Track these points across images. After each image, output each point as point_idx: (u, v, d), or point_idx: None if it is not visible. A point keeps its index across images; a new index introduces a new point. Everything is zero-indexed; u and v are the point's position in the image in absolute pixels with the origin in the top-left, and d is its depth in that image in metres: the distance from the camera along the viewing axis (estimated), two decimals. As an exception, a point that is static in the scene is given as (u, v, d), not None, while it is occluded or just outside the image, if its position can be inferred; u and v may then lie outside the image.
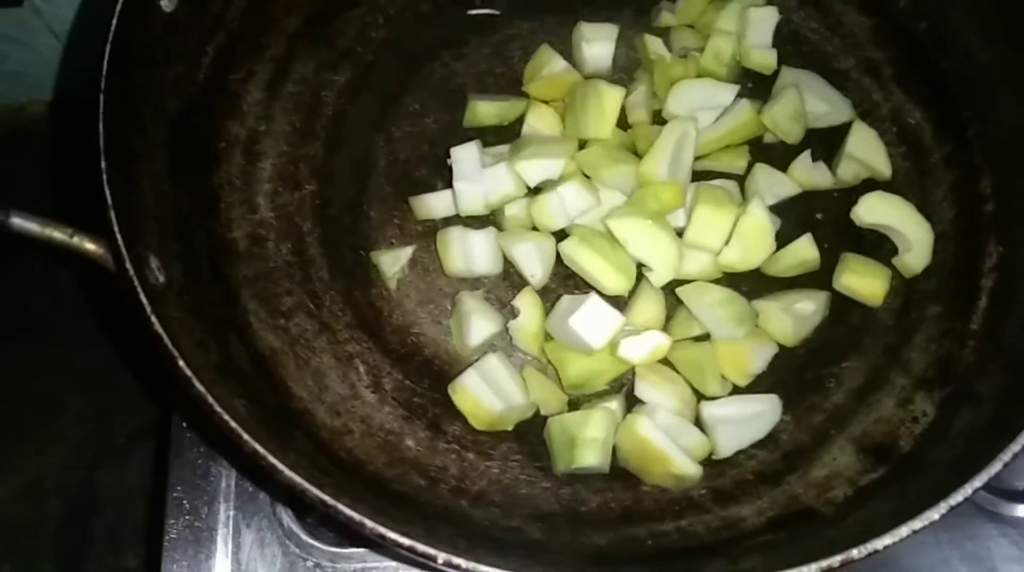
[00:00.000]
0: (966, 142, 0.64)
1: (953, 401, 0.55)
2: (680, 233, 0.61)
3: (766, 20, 0.67)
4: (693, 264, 0.60)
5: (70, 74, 1.00)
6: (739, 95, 0.65)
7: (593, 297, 0.57)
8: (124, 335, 0.91)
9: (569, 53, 0.68)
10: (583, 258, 0.59)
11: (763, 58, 0.66)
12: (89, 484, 0.92)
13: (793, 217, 0.63)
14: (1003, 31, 0.61)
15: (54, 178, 1.00)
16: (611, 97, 0.62)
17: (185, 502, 0.63)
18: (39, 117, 1.05)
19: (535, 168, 0.61)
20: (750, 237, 0.60)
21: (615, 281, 0.59)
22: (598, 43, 0.67)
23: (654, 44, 0.68)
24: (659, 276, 0.60)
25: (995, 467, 0.44)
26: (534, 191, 0.62)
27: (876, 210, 0.61)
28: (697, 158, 0.63)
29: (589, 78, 0.66)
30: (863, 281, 0.60)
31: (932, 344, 0.59)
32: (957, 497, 0.43)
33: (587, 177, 0.62)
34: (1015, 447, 0.45)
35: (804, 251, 0.61)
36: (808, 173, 0.64)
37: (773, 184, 0.63)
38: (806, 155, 0.64)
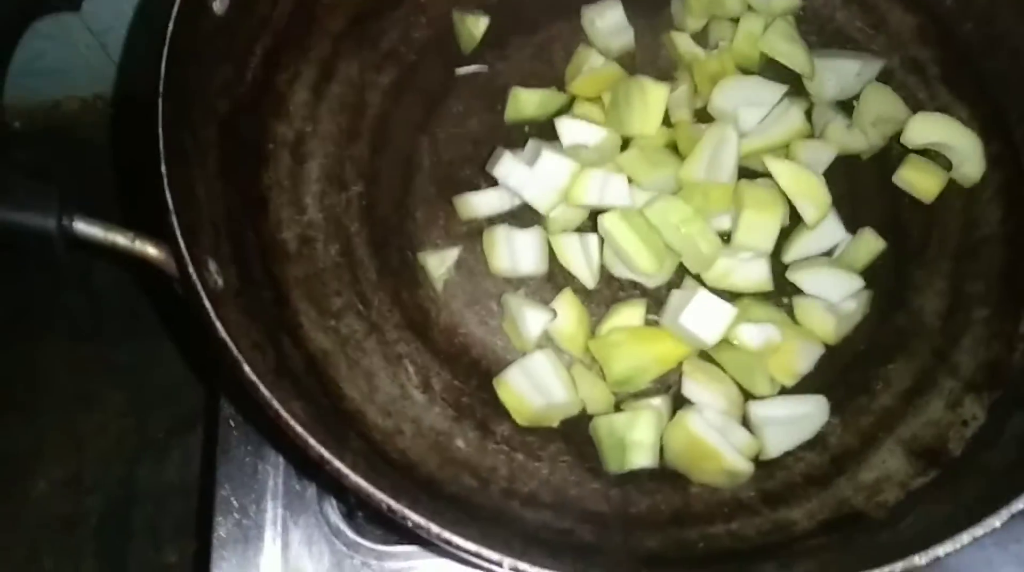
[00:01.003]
0: (1013, 143, 0.64)
1: (1003, 405, 0.55)
2: (724, 236, 0.61)
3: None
4: (749, 272, 0.60)
5: (110, 72, 1.01)
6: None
7: (702, 292, 0.57)
8: (167, 330, 0.92)
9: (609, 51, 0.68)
10: (620, 234, 0.59)
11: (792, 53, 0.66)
12: (129, 479, 0.93)
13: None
14: (1053, 32, 0.61)
15: (92, 175, 1.01)
16: (656, 93, 0.62)
17: (233, 500, 0.63)
18: (73, 113, 1.06)
19: (574, 127, 0.62)
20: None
21: (648, 262, 0.59)
22: (609, 20, 0.67)
23: (683, 42, 0.68)
24: (692, 266, 0.60)
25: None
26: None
27: (924, 130, 0.63)
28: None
29: (625, 67, 0.66)
30: (921, 177, 0.62)
31: (980, 347, 0.59)
32: (1019, 504, 0.43)
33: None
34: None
35: (871, 244, 0.61)
36: (842, 135, 0.64)
37: (815, 152, 0.63)
38: (839, 118, 0.64)
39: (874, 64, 0.66)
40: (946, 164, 0.64)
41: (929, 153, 0.64)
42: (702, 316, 0.56)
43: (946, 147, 0.63)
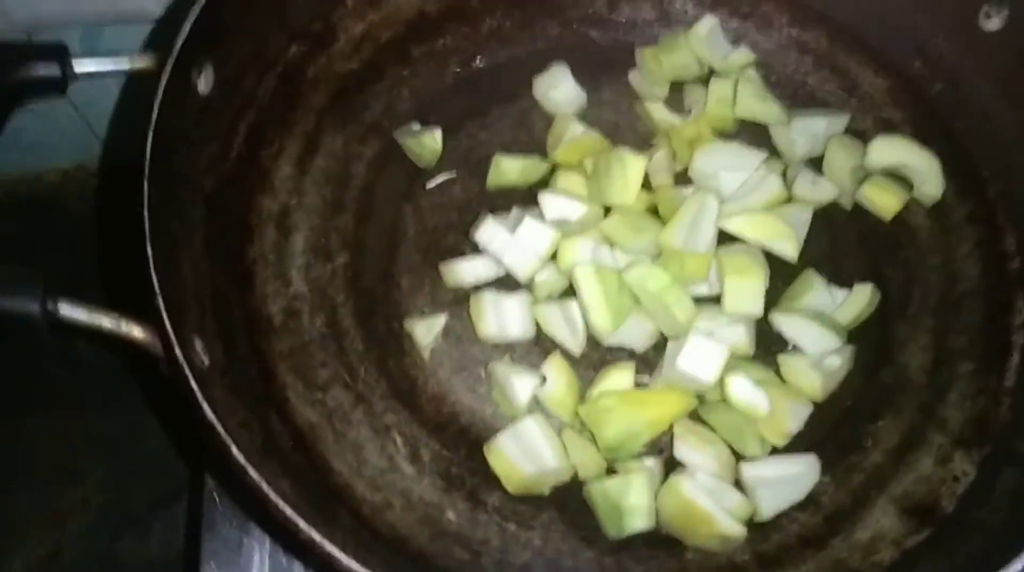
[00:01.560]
0: (988, 200, 0.65)
1: (993, 461, 0.56)
2: (698, 300, 0.61)
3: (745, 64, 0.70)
4: (730, 336, 0.60)
5: (93, 144, 1.01)
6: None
7: (694, 336, 0.58)
8: (150, 401, 0.91)
9: (588, 118, 0.69)
10: (587, 287, 0.59)
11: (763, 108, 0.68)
12: (110, 555, 0.90)
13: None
14: (1020, 92, 0.63)
15: (75, 245, 1.01)
16: (634, 166, 0.63)
17: (219, 578, 0.62)
18: (55, 185, 1.06)
19: (556, 202, 0.62)
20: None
21: (603, 320, 0.60)
22: (559, 86, 0.69)
23: (658, 111, 0.69)
24: (667, 331, 0.61)
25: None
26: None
27: (885, 152, 0.66)
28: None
29: (605, 134, 0.67)
30: (882, 195, 0.65)
31: (967, 402, 0.59)
32: (1017, 565, 0.43)
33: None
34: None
35: (865, 299, 0.62)
36: (811, 191, 0.66)
37: (794, 214, 0.64)
38: (805, 172, 0.66)
39: (840, 118, 0.68)
40: (907, 187, 0.66)
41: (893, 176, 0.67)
42: (697, 358, 0.57)
43: (906, 168, 0.66)
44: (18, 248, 1.03)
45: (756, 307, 0.60)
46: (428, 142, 0.67)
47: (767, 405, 0.58)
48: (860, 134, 0.69)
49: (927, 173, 0.65)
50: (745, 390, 0.58)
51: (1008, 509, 0.51)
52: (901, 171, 0.66)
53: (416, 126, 0.68)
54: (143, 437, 0.94)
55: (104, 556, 0.90)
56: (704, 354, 0.58)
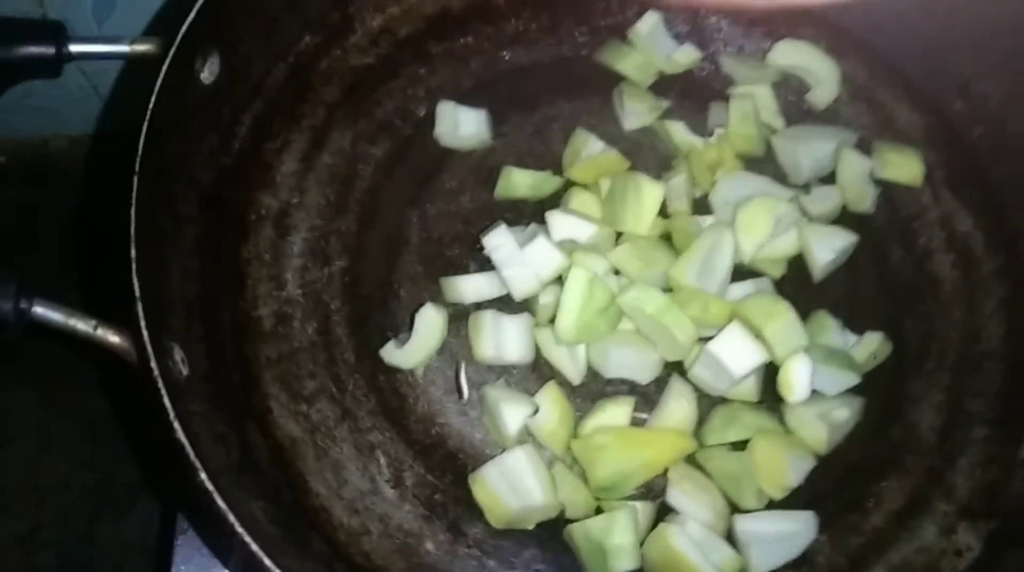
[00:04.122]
0: (1018, 254, 0.62)
1: (1001, 538, 0.53)
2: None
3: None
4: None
5: (99, 115, 0.99)
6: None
7: (736, 325, 0.56)
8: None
9: (609, 134, 0.66)
10: (574, 288, 0.57)
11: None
12: (87, 536, 0.89)
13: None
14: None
15: (78, 217, 0.99)
16: (651, 194, 0.60)
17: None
18: (61, 152, 1.04)
19: (565, 221, 0.60)
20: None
21: (568, 330, 0.57)
22: (461, 122, 0.66)
23: (678, 131, 0.66)
24: (667, 354, 0.58)
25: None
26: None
27: (787, 54, 0.68)
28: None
29: (624, 152, 0.64)
30: (900, 169, 0.65)
31: (977, 469, 0.57)
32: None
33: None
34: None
35: (873, 347, 0.60)
36: (817, 205, 0.64)
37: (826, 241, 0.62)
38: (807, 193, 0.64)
39: (850, 136, 0.65)
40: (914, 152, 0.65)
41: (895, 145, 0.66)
42: (732, 348, 0.55)
43: (804, 70, 0.67)
44: (18, 216, 1.01)
45: (802, 339, 0.57)
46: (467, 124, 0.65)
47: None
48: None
49: (825, 77, 0.67)
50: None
51: (1013, 595, 0.49)
52: (800, 74, 0.67)
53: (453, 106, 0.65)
54: (131, 419, 0.92)
55: (81, 537, 0.89)
56: (741, 347, 0.55)
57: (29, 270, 0.46)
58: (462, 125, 0.65)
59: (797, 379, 0.56)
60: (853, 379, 0.58)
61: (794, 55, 0.68)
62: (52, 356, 0.94)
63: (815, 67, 0.68)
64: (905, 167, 0.65)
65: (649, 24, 0.68)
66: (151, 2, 0.78)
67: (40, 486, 0.90)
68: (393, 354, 0.58)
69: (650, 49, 0.68)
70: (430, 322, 0.59)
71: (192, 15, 0.51)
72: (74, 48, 0.51)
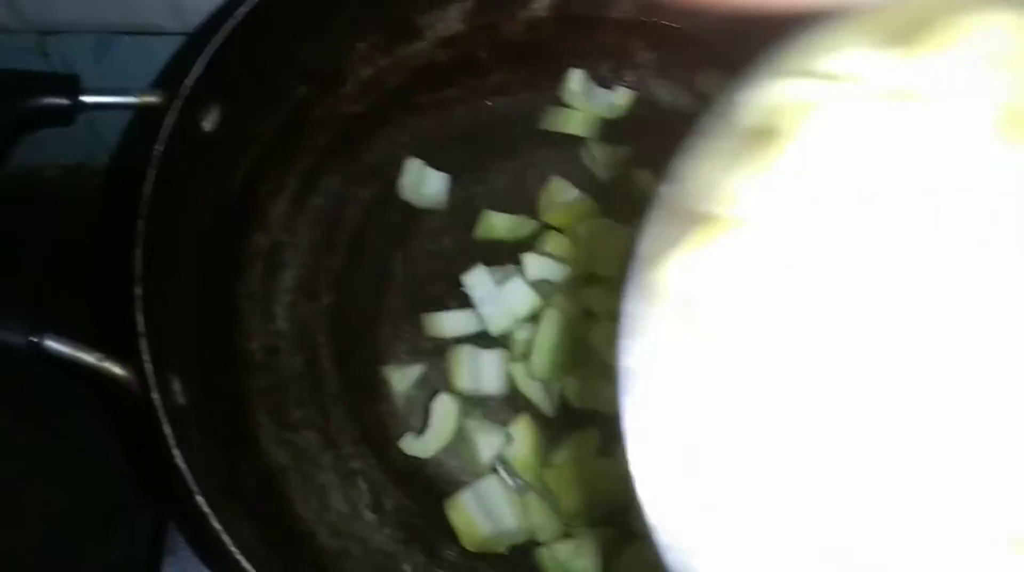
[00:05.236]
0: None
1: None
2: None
3: None
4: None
5: (96, 143, 1.02)
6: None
7: None
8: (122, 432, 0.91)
9: (583, 181, 0.70)
10: (548, 328, 0.61)
11: None
12: (69, 559, 0.90)
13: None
14: None
15: (68, 243, 1.01)
16: (621, 238, 0.65)
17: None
18: (54, 181, 1.06)
19: (539, 264, 0.64)
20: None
21: (540, 362, 0.61)
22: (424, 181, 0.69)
23: (644, 179, 0.69)
24: None
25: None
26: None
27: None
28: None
29: (597, 199, 0.68)
30: None
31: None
32: None
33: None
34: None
35: None
36: None
37: None
38: None
39: None
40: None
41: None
42: None
43: None
44: (3, 244, 1.03)
45: None
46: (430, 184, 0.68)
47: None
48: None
49: None
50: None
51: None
52: None
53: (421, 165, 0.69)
54: (116, 442, 0.94)
55: (63, 559, 0.91)
56: None
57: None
58: (426, 184, 0.68)
59: None
60: None
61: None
62: (35, 379, 0.96)
63: None
64: None
65: (576, 80, 0.71)
66: (149, 57, 0.82)
67: (23, 508, 0.92)
68: (412, 445, 0.62)
69: (585, 103, 0.71)
70: (445, 411, 0.62)
71: (196, 71, 0.55)
72: (86, 99, 0.55)
